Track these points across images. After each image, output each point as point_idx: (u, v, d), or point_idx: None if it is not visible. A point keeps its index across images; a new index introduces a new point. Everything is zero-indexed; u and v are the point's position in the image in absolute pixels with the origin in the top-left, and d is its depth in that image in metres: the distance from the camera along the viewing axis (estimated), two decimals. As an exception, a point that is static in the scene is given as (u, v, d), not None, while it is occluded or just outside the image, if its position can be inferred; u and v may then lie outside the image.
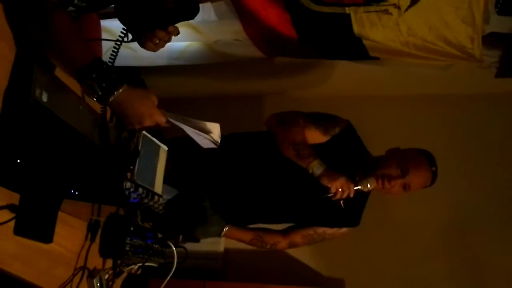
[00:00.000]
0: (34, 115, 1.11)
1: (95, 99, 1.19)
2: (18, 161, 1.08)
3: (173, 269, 1.74)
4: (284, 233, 2.34)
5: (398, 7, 2.16)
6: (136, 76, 3.17)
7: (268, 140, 2.22)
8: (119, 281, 1.65)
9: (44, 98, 1.13)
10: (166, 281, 1.75)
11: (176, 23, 1.53)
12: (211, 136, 1.52)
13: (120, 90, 1.20)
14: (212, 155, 2.14)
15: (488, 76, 2.82)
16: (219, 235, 2.29)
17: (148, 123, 1.30)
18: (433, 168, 2.15)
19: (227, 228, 2.27)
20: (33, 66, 1.13)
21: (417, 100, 3.22)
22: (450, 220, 3.09)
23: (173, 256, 1.77)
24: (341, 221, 2.26)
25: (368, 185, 2.06)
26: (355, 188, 2.05)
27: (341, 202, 2.11)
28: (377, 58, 2.51)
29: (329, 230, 2.28)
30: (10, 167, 1.08)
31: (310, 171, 2.05)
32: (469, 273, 3.00)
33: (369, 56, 2.46)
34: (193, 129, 1.50)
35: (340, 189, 2.01)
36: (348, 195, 2.04)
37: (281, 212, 2.27)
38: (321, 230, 2.28)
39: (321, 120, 2.24)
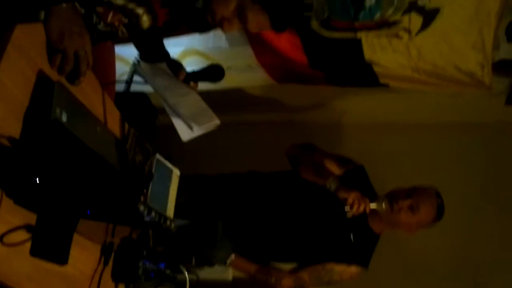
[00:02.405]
0: (53, 135, 1.11)
1: None
2: (37, 180, 1.08)
3: (185, 295, 1.72)
4: (291, 271, 2.33)
5: (408, 31, 2.19)
6: (147, 102, 3.19)
7: (285, 179, 2.37)
8: (131, 306, 1.63)
9: (64, 118, 1.13)
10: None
11: (199, 81, 1.67)
12: (192, 125, 1.47)
13: (64, 5, 1.19)
14: (230, 187, 2.32)
15: (498, 104, 2.83)
16: (225, 262, 2.24)
17: (67, 42, 1.22)
18: (439, 200, 2.22)
19: (233, 256, 2.24)
20: (53, 86, 1.14)
21: (427, 128, 3.22)
22: (462, 256, 3.02)
23: (185, 282, 1.75)
24: (351, 256, 2.25)
25: (383, 204, 2.13)
26: (370, 207, 2.09)
27: (351, 235, 2.14)
28: (387, 85, 2.53)
29: (337, 267, 2.26)
30: (28, 186, 1.08)
31: (328, 186, 2.12)
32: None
33: (379, 83, 2.48)
34: (174, 112, 1.47)
35: (356, 201, 2.04)
36: (364, 211, 2.08)
37: (292, 245, 2.28)
38: (329, 266, 2.26)
39: (338, 156, 2.41)
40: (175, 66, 1.65)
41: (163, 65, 1.62)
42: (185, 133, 1.55)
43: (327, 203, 2.15)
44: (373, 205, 2.11)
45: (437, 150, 3.20)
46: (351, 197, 2.06)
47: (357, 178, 2.31)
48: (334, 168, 2.31)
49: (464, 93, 2.57)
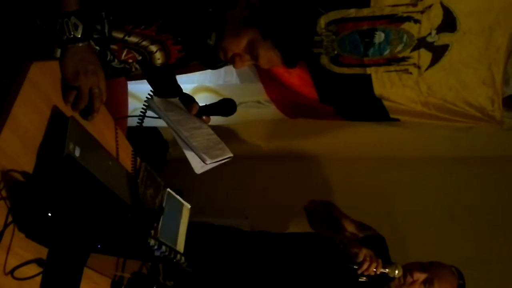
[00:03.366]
0: (66, 170, 1.13)
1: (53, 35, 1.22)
2: (49, 214, 1.09)
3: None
4: None
5: (418, 66, 2.21)
6: (158, 136, 3.22)
7: (294, 240, 2.28)
8: None
9: (77, 153, 1.15)
10: None
11: (212, 115, 1.66)
12: (204, 160, 1.48)
13: (80, 44, 1.23)
14: (236, 243, 2.23)
15: (509, 138, 2.82)
16: None
17: (82, 80, 1.26)
18: (461, 281, 2.09)
19: None
20: (67, 121, 1.16)
21: (437, 162, 3.22)
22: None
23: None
24: None
25: (396, 271, 1.99)
26: (382, 270, 1.98)
27: None
28: (397, 120, 2.54)
29: None
30: (40, 220, 1.09)
31: (338, 241, 2.03)
32: None
33: (389, 117, 2.49)
34: (187, 145, 1.48)
35: (368, 259, 1.95)
36: (374, 272, 1.97)
37: None
38: None
39: (358, 221, 2.32)
40: (188, 100, 1.67)
41: (176, 100, 1.64)
42: (198, 166, 1.56)
43: (337, 259, 2.05)
44: (385, 269, 1.99)
45: (446, 185, 3.18)
46: (362, 253, 1.95)
47: (375, 246, 2.17)
48: (352, 229, 2.26)
49: (474, 128, 2.56)
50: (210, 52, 1.54)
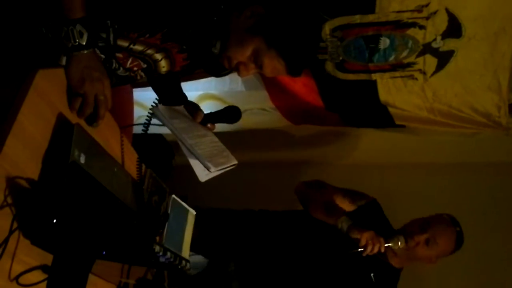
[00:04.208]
0: (71, 176, 1.13)
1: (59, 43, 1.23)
2: (54, 221, 1.09)
3: None
4: None
5: (423, 72, 2.20)
6: (164, 143, 3.23)
7: (297, 218, 2.35)
8: None
9: (82, 160, 1.16)
10: None
11: (216, 122, 1.67)
12: (209, 168, 1.48)
13: (85, 52, 1.24)
14: (244, 226, 2.21)
15: (514, 144, 2.81)
16: None
17: (88, 87, 1.26)
18: (457, 228, 2.20)
19: None
20: (72, 128, 1.17)
21: (442, 168, 3.21)
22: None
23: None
24: None
25: (399, 243, 2.09)
26: (385, 245, 2.05)
27: (372, 275, 2.10)
28: (403, 126, 2.53)
29: None
30: (46, 227, 1.10)
31: (339, 226, 2.09)
32: None
33: (394, 123, 2.48)
34: (192, 153, 1.48)
35: (370, 242, 2.00)
36: (379, 250, 2.04)
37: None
38: None
39: (349, 191, 2.38)
40: (193, 108, 1.68)
41: (181, 108, 1.65)
42: (203, 174, 1.56)
43: (340, 243, 2.12)
44: (388, 244, 2.09)
45: (452, 190, 3.17)
46: (364, 238, 2.02)
47: (370, 213, 2.29)
48: (346, 205, 2.30)
49: (479, 134, 2.55)
50: (215, 60, 1.55)
